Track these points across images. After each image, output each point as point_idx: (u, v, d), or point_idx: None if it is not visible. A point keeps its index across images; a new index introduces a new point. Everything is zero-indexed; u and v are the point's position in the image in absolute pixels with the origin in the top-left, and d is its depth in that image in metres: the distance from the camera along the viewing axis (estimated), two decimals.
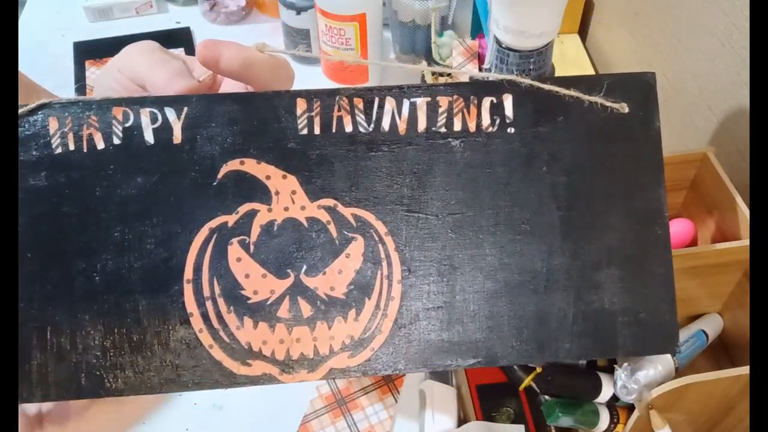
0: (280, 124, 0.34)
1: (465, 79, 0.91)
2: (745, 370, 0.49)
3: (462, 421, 0.66)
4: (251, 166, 0.34)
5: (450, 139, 0.35)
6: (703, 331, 0.56)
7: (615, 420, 0.54)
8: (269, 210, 0.34)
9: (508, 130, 0.35)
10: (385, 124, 0.34)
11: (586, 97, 0.35)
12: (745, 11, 0.63)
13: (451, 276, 0.35)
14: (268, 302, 0.34)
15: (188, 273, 0.33)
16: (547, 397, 0.56)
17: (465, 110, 0.35)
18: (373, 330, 0.34)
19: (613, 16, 0.92)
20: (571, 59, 0.96)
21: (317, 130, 0.34)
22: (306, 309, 0.34)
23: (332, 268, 0.34)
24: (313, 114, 0.34)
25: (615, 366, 0.51)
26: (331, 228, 0.34)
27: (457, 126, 0.35)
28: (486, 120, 0.35)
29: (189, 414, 0.69)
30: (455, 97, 0.35)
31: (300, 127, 0.34)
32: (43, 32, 1.12)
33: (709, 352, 0.57)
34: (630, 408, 0.51)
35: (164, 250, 0.33)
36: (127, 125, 0.33)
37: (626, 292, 0.35)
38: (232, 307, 0.33)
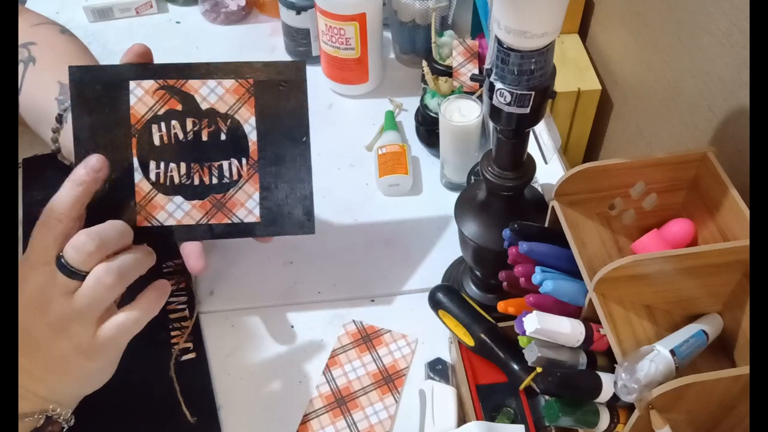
0: None
1: (465, 78, 0.93)
2: (745, 370, 0.49)
3: (462, 421, 0.66)
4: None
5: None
6: (703, 331, 0.56)
7: (615, 420, 0.54)
8: None
9: None
10: None
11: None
12: (745, 11, 0.63)
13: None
14: None
15: None
16: (547, 397, 0.56)
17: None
18: None
19: (613, 16, 0.92)
20: (571, 59, 0.96)
21: None
22: None
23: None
24: None
25: (615, 365, 0.51)
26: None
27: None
28: None
29: None
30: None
31: None
32: None
33: (709, 352, 0.57)
34: (630, 408, 0.51)
35: None
36: None
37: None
38: None
